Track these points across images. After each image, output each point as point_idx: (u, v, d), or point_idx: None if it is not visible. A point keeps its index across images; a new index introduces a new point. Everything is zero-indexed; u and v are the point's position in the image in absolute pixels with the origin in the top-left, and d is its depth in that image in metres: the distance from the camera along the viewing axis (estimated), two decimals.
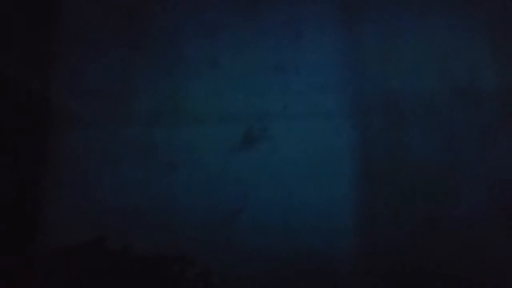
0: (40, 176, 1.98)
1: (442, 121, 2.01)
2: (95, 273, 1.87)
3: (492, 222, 1.95)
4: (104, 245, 1.92)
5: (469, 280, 1.93)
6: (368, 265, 1.94)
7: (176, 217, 1.97)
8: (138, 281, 1.89)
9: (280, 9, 2.04)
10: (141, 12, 2.05)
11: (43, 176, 1.98)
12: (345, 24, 2.03)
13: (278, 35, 2.03)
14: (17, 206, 1.95)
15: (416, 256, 1.95)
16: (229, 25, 2.03)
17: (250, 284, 1.94)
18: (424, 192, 1.98)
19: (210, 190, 1.98)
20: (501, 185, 1.96)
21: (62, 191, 1.98)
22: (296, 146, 1.99)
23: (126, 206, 1.97)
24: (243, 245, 1.95)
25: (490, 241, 1.94)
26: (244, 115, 2.00)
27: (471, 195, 1.96)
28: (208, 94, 2.01)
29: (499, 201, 1.95)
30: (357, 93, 2.01)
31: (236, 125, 2.00)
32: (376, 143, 1.99)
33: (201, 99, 2.01)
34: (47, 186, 1.98)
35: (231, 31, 2.03)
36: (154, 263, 1.92)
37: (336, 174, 1.99)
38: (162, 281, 1.91)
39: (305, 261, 1.95)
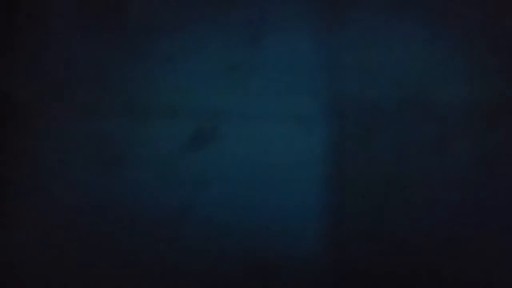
0: None
1: (417, 130, 1.99)
2: None
3: (456, 230, 1.95)
4: None
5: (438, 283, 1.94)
6: (330, 270, 1.94)
7: (118, 214, 1.91)
8: None
9: (251, 9, 2.00)
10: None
11: None
12: (319, 29, 1.99)
13: (240, 34, 1.98)
14: None
15: (383, 263, 1.95)
16: (190, 20, 1.99)
17: (193, 283, 1.92)
18: (393, 200, 1.96)
19: (157, 188, 1.92)
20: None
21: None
22: (249, 148, 1.94)
23: (69, 203, 1.92)
24: (188, 245, 1.92)
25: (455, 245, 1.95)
26: (197, 113, 1.94)
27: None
28: (161, 89, 1.95)
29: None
30: (327, 97, 1.96)
31: (188, 122, 1.94)
32: (343, 149, 1.96)
33: (154, 93, 1.95)
34: None
35: (191, 27, 1.99)
36: None
37: (291, 179, 1.94)
38: None
39: (254, 264, 1.93)
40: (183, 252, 1.91)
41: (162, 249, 1.90)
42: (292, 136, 1.96)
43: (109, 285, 1.89)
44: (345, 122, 1.97)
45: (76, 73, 1.96)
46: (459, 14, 2.00)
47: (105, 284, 1.89)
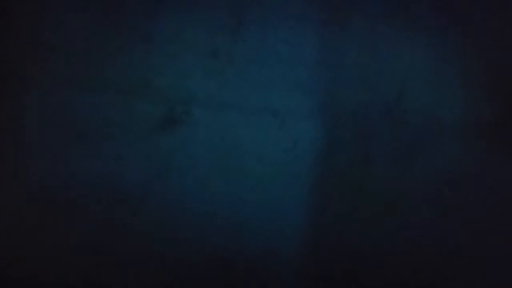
0: None
1: (407, 135, 1.96)
2: None
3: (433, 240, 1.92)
4: None
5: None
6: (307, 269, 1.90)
7: (78, 192, 1.87)
8: None
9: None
10: None
11: None
12: (305, 25, 1.97)
13: (223, 22, 1.96)
14: None
15: (364, 269, 1.91)
16: (173, 4, 1.97)
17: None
18: (375, 206, 1.93)
19: (117, 168, 1.88)
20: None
21: None
22: (220, 137, 1.90)
23: (30, 179, 1.87)
24: (146, 231, 1.88)
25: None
26: (170, 96, 1.90)
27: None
28: (137, 69, 1.91)
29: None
30: (305, 93, 1.93)
31: (160, 104, 1.90)
32: (317, 146, 1.93)
33: (130, 72, 1.90)
34: None
35: (174, 10, 1.97)
36: None
37: (260, 172, 1.90)
38: None
39: (210, 261, 1.90)
40: (140, 237, 1.88)
41: (118, 230, 1.87)
42: (265, 129, 1.92)
43: (66, 262, 1.86)
44: (321, 118, 1.94)
45: (62, 47, 1.94)
46: (456, 27, 1.98)
47: (62, 260, 1.86)
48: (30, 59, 1.90)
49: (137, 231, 1.87)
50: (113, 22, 1.93)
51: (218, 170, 1.90)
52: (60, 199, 1.87)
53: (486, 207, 1.94)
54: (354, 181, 1.93)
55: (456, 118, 1.96)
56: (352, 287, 1.89)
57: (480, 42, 1.98)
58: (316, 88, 1.94)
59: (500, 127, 1.97)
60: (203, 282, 1.88)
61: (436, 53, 1.98)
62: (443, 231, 1.92)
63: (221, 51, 1.93)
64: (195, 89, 1.92)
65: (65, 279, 1.86)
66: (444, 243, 1.92)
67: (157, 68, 1.92)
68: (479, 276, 1.92)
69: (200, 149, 1.90)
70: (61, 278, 1.86)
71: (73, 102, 1.90)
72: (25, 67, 1.89)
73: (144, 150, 1.89)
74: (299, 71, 1.94)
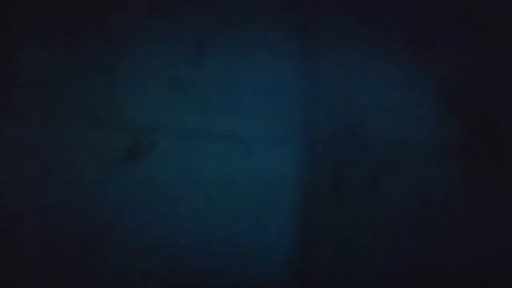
0: None
1: (376, 159, 1.96)
2: None
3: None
4: None
5: None
6: None
7: (40, 226, 1.79)
8: None
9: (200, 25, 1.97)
10: None
11: None
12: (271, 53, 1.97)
13: (184, 51, 1.95)
14: None
15: None
16: (135, 33, 1.96)
17: None
18: (351, 231, 1.90)
19: (80, 200, 1.81)
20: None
21: None
22: (186, 165, 1.86)
23: None
24: (110, 266, 1.80)
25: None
26: (135, 127, 1.88)
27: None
28: (100, 100, 1.89)
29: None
30: (269, 120, 1.93)
31: (125, 135, 1.87)
32: (283, 172, 1.91)
33: (93, 104, 1.88)
34: None
35: (136, 40, 1.96)
36: None
37: (227, 200, 1.86)
38: None
39: None
40: (101, 272, 1.82)
41: (79, 264, 1.81)
42: (230, 156, 1.90)
43: None
44: (287, 145, 1.93)
45: (22, 78, 1.91)
46: (431, 60, 2.00)
47: None
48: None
49: (99, 264, 1.81)
50: (75, 53, 1.91)
51: (184, 200, 1.86)
52: (19, 232, 1.81)
53: (457, 225, 1.94)
54: (325, 207, 1.91)
55: (425, 141, 1.97)
56: None
57: (450, 71, 2.01)
58: (281, 115, 1.93)
59: (466, 149, 1.98)
60: None
61: (408, 81, 2.00)
62: (424, 250, 1.90)
63: (184, 80, 1.92)
64: (159, 119, 1.90)
65: None
66: (426, 262, 1.90)
67: (120, 99, 1.90)
68: None
69: (166, 179, 1.86)
70: None
71: (34, 134, 1.86)
72: None
73: (108, 182, 1.84)
74: (262, 98, 1.93)
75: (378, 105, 1.99)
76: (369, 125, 1.98)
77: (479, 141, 1.99)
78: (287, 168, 1.91)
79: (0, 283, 1.75)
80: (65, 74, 1.90)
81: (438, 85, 2.01)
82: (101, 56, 1.91)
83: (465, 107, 2.01)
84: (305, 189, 1.91)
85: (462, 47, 2.05)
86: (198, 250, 1.85)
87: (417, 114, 2.00)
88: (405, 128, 1.99)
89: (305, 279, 1.84)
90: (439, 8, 2.12)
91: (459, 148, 1.98)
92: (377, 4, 2.10)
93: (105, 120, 1.88)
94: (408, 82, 2.00)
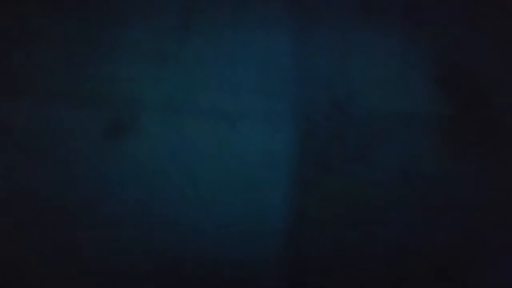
0: None
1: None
2: None
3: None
4: None
5: None
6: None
7: (20, 206, 1.78)
8: None
9: None
10: None
11: None
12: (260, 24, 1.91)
13: (171, 24, 1.89)
14: None
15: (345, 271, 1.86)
16: (118, 5, 1.89)
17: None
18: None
19: (63, 177, 1.79)
20: None
21: None
22: (170, 142, 1.83)
23: None
24: (91, 248, 1.81)
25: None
26: (117, 102, 1.83)
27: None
28: (82, 75, 1.83)
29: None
30: (256, 94, 1.88)
31: (107, 111, 1.82)
32: (271, 148, 1.88)
33: (75, 79, 1.83)
34: None
35: (119, 12, 1.90)
36: None
37: (211, 176, 1.84)
38: None
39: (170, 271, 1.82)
40: (87, 250, 1.82)
41: (65, 241, 1.81)
42: (217, 131, 1.87)
43: None
44: (276, 120, 1.89)
45: (3, 54, 1.86)
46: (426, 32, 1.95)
47: None
48: None
49: (87, 238, 1.81)
50: (57, 28, 1.86)
51: (169, 175, 1.84)
52: (2, 210, 1.80)
53: (445, 198, 1.92)
54: (314, 182, 1.89)
55: (414, 114, 1.94)
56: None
57: (440, 41, 1.96)
58: (270, 89, 1.89)
59: (455, 122, 1.95)
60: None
61: (400, 54, 1.95)
62: (411, 222, 1.89)
63: (169, 53, 1.87)
64: (143, 94, 1.85)
65: None
66: (413, 234, 1.89)
67: (103, 74, 1.85)
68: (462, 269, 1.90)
69: (149, 155, 1.84)
70: None
71: (14, 110, 1.82)
72: None
73: (91, 159, 1.82)
74: (250, 72, 1.89)
75: (369, 78, 1.95)
76: (358, 99, 1.94)
77: (469, 114, 1.96)
78: (275, 143, 1.88)
79: None
80: (44, 50, 1.84)
81: (430, 58, 1.96)
82: (82, 30, 1.86)
83: (456, 80, 1.97)
84: (294, 164, 1.88)
85: (458, 20, 1.99)
86: (185, 226, 1.84)
87: (408, 87, 1.96)
88: (395, 101, 1.95)
89: (296, 254, 1.84)
90: None
91: (448, 121, 1.95)
92: None
93: (87, 96, 1.84)
94: (400, 55, 1.95)
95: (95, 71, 1.85)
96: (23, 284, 1.77)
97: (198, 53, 1.88)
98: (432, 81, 1.97)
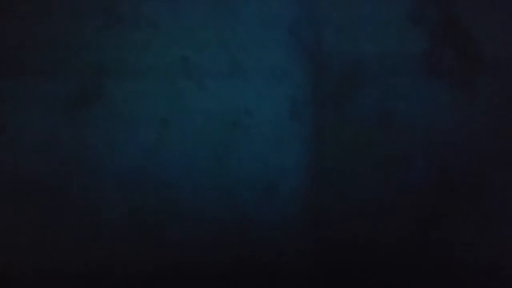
0: None
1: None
2: None
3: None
4: None
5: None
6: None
7: None
8: None
9: None
10: None
11: None
12: None
13: None
14: None
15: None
16: None
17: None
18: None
19: (31, 151, 1.79)
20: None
21: None
22: (137, 107, 1.80)
23: None
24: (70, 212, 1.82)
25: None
26: (77, 71, 1.79)
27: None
28: (37, 45, 1.78)
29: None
30: (216, 51, 1.82)
31: (69, 80, 1.79)
32: (238, 106, 1.84)
33: (29, 50, 1.78)
34: None
35: None
36: None
37: (182, 138, 1.81)
38: None
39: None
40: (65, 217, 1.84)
41: (39, 216, 1.83)
42: (182, 92, 1.83)
43: None
44: (242, 76, 1.84)
45: None
46: None
47: None
48: None
49: (62, 207, 1.82)
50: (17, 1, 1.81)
51: (138, 141, 1.82)
52: None
53: (423, 140, 1.87)
54: (285, 135, 1.85)
55: (389, 54, 1.86)
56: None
57: None
58: (232, 44, 1.83)
59: (433, 60, 1.86)
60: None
61: None
62: (387, 166, 1.85)
63: (126, 15, 1.82)
64: (104, 60, 1.81)
65: None
66: (388, 178, 1.86)
67: (58, 41, 1.80)
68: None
69: (117, 121, 1.81)
70: None
71: None
72: None
73: (57, 131, 1.80)
74: (211, 28, 1.83)
75: (339, 19, 1.86)
76: (328, 42, 1.86)
77: (447, 51, 1.86)
78: (243, 101, 1.83)
79: None
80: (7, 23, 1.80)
81: None
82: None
83: (431, 16, 1.87)
84: (263, 120, 1.84)
85: None
86: (157, 188, 1.83)
87: (381, 26, 1.87)
88: (368, 41, 1.87)
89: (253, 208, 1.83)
90: None
91: (425, 59, 1.87)
92: None
93: (47, 67, 1.81)
94: None
95: (51, 39, 1.80)
96: None
97: (157, 11, 1.82)
98: (406, 18, 1.87)
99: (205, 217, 1.82)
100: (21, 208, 1.80)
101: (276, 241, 1.83)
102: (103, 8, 1.81)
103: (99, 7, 1.81)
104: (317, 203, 1.84)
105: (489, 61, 1.86)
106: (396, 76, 1.87)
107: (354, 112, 1.85)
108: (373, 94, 1.86)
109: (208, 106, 1.83)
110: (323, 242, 1.84)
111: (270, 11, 1.85)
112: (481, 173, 1.86)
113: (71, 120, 1.81)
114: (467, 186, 1.86)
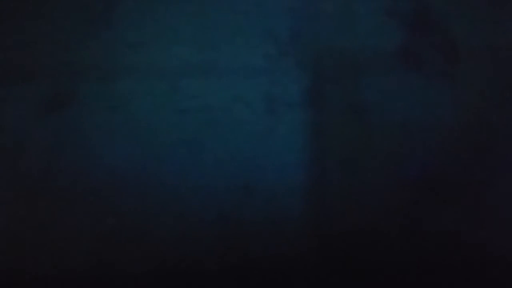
0: None
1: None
2: None
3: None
4: None
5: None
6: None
7: None
8: None
9: None
10: None
11: None
12: None
13: None
14: None
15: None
16: None
17: None
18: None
19: (10, 160, 1.76)
20: None
21: None
22: (111, 110, 1.77)
23: None
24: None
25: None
26: (50, 74, 1.78)
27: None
28: (4, 48, 1.78)
29: None
30: (202, 49, 1.80)
31: (41, 84, 1.77)
32: (210, 104, 1.81)
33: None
34: None
35: None
36: None
37: (158, 142, 1.78)
38: None
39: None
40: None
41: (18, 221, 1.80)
42: (155, 93, 1.81)
43: None
44: (217, 74, 1.82)
45: None
46: None
47: None
48: None
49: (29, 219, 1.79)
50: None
51: (112, 145, 1.80)
52: None
53: (399, 133, 1.85)
54: (259, 129, 1.82)
55: (363, 49, 1.84)
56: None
57: None
58: (204, 43, 1.82)
59: (407, 53, 1.85)
60: None
61: None
62: (364, 160, 1.82)
63: (100, 15, 1.80)
64: (76, 62, 1.79)
65: None
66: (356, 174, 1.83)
67: (28, 44, 1.79)
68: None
69: (91, 125, 1.79)
70: None
71: None
72: None
73: (36, 135, 1.78)
74: (181, 27, 1.81)
75: (314, 15, 1.85)
76: (303, 38, 1.84)
77: (422, 44, 1.84)
78: (216, 99, 1.81)
79: None
80: None
81: None
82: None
83: (406, 7, 1.85)
84: (237, 115, 1.82)
85: None
86: (133, 190, 1.80)
87: (357, 20, 1.85)
88: (343, 36, 1.85)
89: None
90: None
91: (400, 53, 1.84)
92: None
93: (20, 70, 1.79)
94: None
95: (21, 42, 1.78)
96: None
97: (128, 12, 1.81)
98: (382, 11, 1.85)
99: (185, 216, 1.80)
100: None
101: (245, 241, 1.80)
102: (76, 9, 1.79)
103: (72, 8, 1.80)
104: (294, 199, 1.81)
105: (464, 52, 1.84)
106: (372, 70, 1.84)
107: (331, 107, 1.83)
108: (350, 89, 1.84)
109: (181, 106, 1.81)
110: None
111: (243, 8, 1.83)
112: (460, 165, 1.84)
113: (45, 125, 1.78)
114: (447, 180, 1.84)
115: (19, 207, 1.77)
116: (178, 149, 1.80)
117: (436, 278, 1.80)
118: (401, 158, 1.82)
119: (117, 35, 1.80)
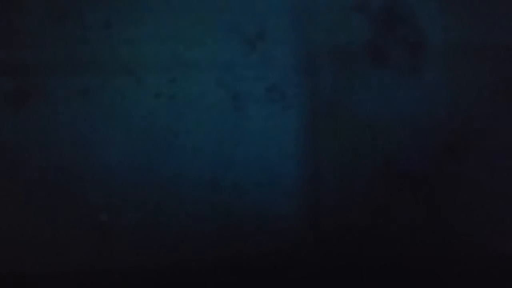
0: None
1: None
2: None
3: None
4: None
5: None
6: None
7: None
8: None
9: None
10: None
11: None
12: None
13: None
14: None
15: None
16: None
17: None
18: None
19: None
20: None
21: None
22: (77, 105, 1.76)
23: None
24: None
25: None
26: (14, 68, 1.75)
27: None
28: None
29: None
30: (164, 41, 1.79)
31: (5, 78, 1.74)
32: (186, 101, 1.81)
33: None
34: None
35: None
36: None
37: (129, 138, 1.78)
38: None
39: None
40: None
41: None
42: (121, 88, 1.80)
43: None
44: (181, 68, 1.81)
45: None
46: None
47: None
48: None
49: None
50: None
51: (76, 140, 1.79)
52: None
53: (374, 127, 1.84)
54: (230, 127, 1.82)
55: (331, 45, 1.84)
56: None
57: None
58: (173, 38, 1.81)
59: (377, 47, 1.84)
60: None
61: None
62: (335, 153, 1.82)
63: (67, 11, 1.79)
64: (42, 57, 1.78)
65: None
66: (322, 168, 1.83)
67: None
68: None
69: (58, 122, 1.78)
70: None
71: None
72: None
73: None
74: (151, 25, 1.80)
75: (283, 10, 1.84)
76: (271, 33, 1.83)
77: (391, 39, 1.84)
78: (180, 91, 1.80)
79: None
80: None
81: None
82: None
83: (375, 2, 1.84)
84: (205, 114, 1.81)
85: None
86: (96, 187, 1.79)
87: (326, 16, 1.84)
88: (312, 32, 1.84)
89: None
90: None
91: (370, 48, 1.84)
92: None
93: None
94: None
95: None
96: None
97: (97, 7, 1.79)
98: (348, 6, 1.84)
99: (153, 213, 1.80)
100: None
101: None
102: (42, 3, 1.78)
103: (38, 2, 1.78)
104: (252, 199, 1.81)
105: (433, 47, 1.84)
106: (342, 66, 1.84)
107: (301, 103, 1.82)
108: (320, 84, 1.83)
109: (148, 102, 1.80)
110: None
111: (211, 4, 1.82)
112: (428, 160, 1.84)
113: (9, 120, 1.77)
114: (413, 173, 1.84)
115: None
116: (144, 146, 1.79)
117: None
118: (367, 154, 1.82)
119: (85, 32, 1.78)
